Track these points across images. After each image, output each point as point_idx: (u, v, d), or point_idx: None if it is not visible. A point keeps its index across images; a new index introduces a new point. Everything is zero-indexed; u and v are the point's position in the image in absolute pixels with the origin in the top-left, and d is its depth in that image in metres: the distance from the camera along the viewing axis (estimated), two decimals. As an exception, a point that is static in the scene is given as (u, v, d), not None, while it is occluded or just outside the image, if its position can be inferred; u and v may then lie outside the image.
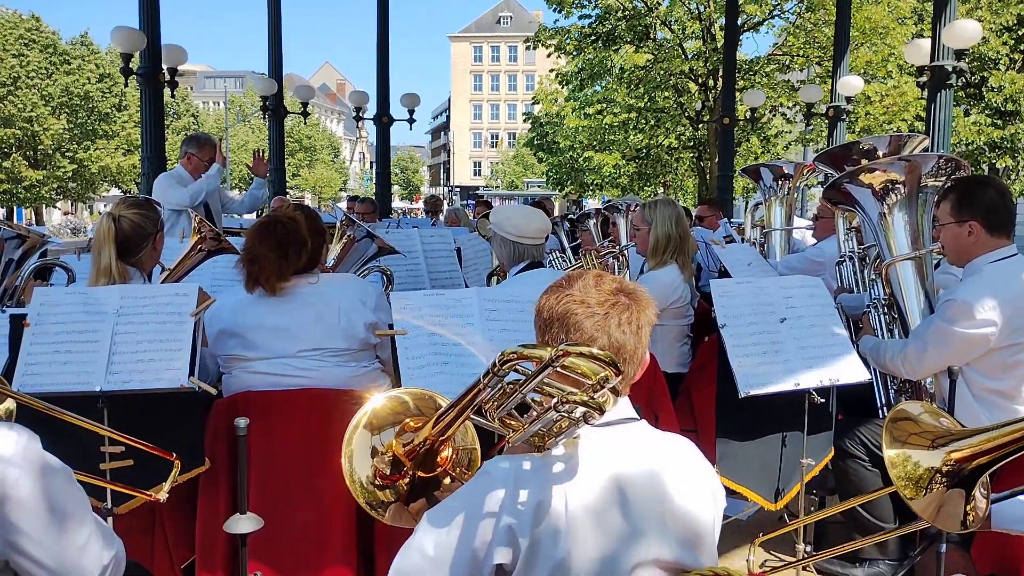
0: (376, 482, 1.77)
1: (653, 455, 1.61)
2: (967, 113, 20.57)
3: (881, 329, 3.57)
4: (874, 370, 3.47)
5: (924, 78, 8.86)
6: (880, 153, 3.89)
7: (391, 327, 2.87)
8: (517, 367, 1.48)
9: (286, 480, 2.75)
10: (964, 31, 8.41)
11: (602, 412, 1.41)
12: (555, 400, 1.43)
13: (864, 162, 3.63)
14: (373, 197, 13.19)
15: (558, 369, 1.40)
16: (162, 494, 2.45)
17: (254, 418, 2.53)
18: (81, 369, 2.60)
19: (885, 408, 3.49)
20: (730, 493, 3.22)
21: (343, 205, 11.07)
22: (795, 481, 3.35)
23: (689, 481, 1.63)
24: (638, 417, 1.66)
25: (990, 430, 1.89)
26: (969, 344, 2.97)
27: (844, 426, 3.50)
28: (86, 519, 1.49)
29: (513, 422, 1.59)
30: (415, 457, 1.77)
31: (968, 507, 1.87)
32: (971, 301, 2.94)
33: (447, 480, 1.84)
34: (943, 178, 3.30)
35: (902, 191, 3.30)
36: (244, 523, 2.18)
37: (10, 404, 2.14)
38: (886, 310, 3.58)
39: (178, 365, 2.63)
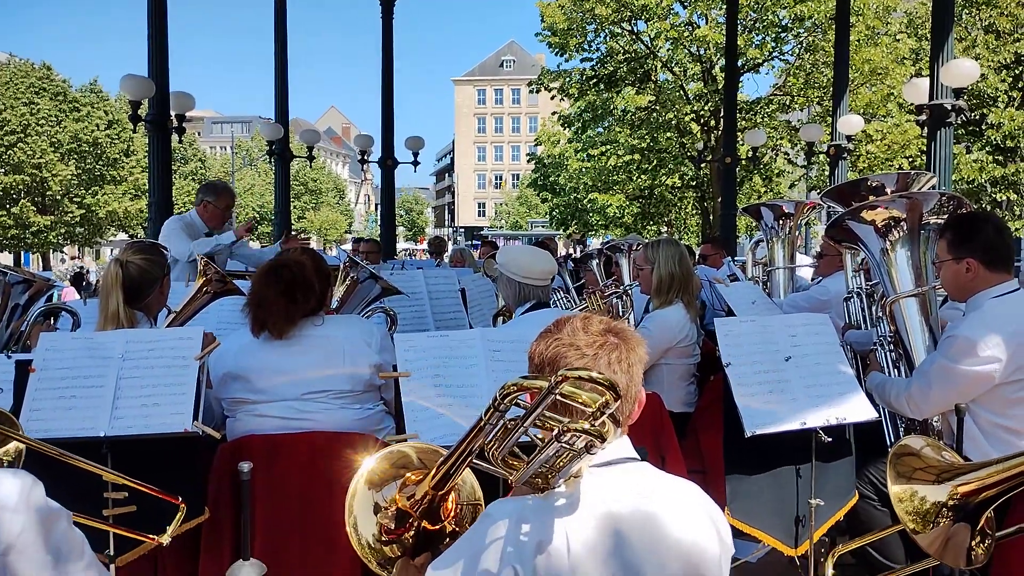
0: (382, 538, 1.76)
1: (656, 497, 1.60)
2: (968, 150, 20.69)
3: (888, 366, 3.55)
4: (882, 407, 3.43)
5: (923, 117, 8.94)
6: (888, 190, 3.89)
7: (395, 368, 2.87)
8: (518, 401, 1.48)
9: (290, 525, 2.73)
10: (962, 70, 8.51)
11: (603, 440, 1.40)
12: (556, 431, 1.42)
13: (871, 198, 3.64)
14: (378, 238, 13.27)
15: (558, 397, 1.40)
16: (165, 537, 2.45)
17: (258, 462, 2.52)
18: (85, 415, 2.60)
19: (894, 447, 3.45)
20: (742, 535, 3.17)
21: (348, 247, 11.11)
22: (817, 524, 3.27)
23: (692, 523, 1.61)
24: (640, 458, 1.66)
25: (996, 463, 1.88)
26: (974, 382, 2.94)
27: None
28: (84, 559, 1.51)
29: (516, 462, 1.58)
30: (420, 507, 1.76)
31: (973, 542, 1.85)
32: (973, 338, 2.91)
33: (451, 533, 1.82)
34: (945, 216, 3.30)
35: (904, 228, 3.30)
36: (247, 570, 2.16)
37: (19, 445, 2.14)
38: (892, 347, 3.56)
39: (182, 409, 2.62)
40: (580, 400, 1.40)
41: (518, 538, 1.49)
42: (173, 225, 6.13)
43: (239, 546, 2.53)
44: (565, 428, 1.40)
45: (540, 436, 1.54)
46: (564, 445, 1.44)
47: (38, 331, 3.61)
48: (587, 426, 1.39)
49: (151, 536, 2.47)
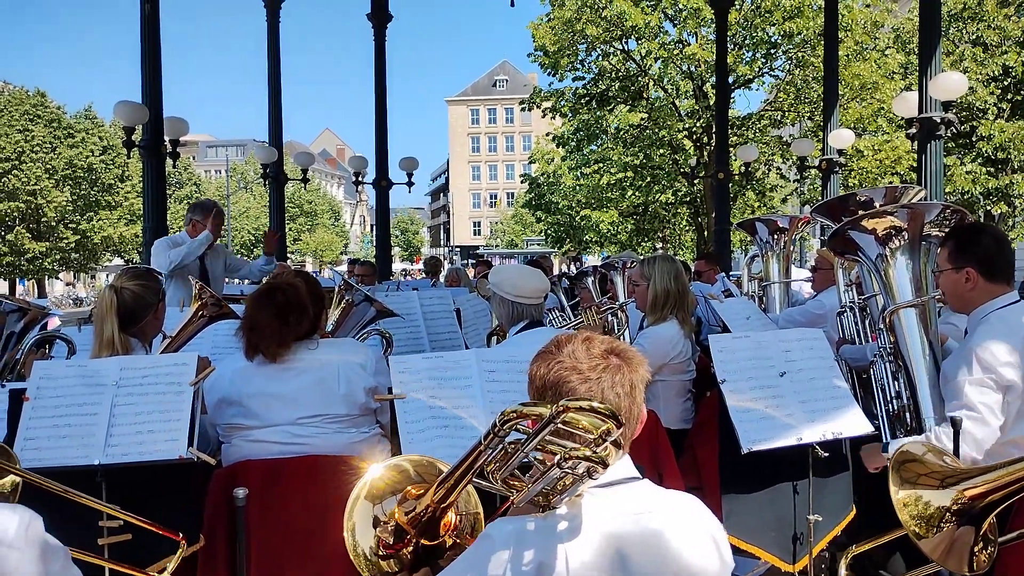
0: (380, 552, 1.75)
1: (656, 515, 1.60)
2: (961, 162, 20.79)
3: (887, 378, 3.53)
4: (881, 420, 3.41)
5: (913, 130, 8.99)
6: (877, 204, 3.89)
7: (390, 391, 2.86)
8: (518, 426, 1.48)
9: (287, 551, 2.71)
10: (950, 83, 8.57)
11: (605, 466, 1.41)
12: (558, 457, 1.42)
13: (861, 212, 3.63)
14: (373, 260, 13.27)
15: (559, 425, 1.40)
16: (166, 574, 2.42)
17: (253, 488, 2.51)
18: (80, 443, 2.58)
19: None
20: (741, 551, 3.15)
21: (342, 268, 11.12)
22: (816, 540, 3.25)
23: (694, 541, 1.61)
24: (640, 476, 1.65)
25: (1005, 466, 1.87)
26: (1007, 390, 2.87)
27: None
28: None
29: (516, 483, 1.58)
30: (418, 524, 1.75)
31: (976, 548, 1.84)
32: (991, 348, 2.88)
33: (451, 546, 1.81)
34: (947, 228, 3.29)
35: (905, 238, 3.30)
36: (243, 597, 2.14)
37: (15, 479, 2.12)
38: (891, 359, 3.54)
39: (177, 436, 2.61)
40: (581, 426, 1.40)
41: (519, 563, 1.49)
42: (161, 244, 6.19)
43: (235, 573, 2.52)
44: (567, 455, 1.41)
45: (541, 458, 1.54)
46: (566, 470, 1.44)
47: (33, 359, 3.61)
48: (589, 453, 1.39)
49: (149, 572, 2.45)
